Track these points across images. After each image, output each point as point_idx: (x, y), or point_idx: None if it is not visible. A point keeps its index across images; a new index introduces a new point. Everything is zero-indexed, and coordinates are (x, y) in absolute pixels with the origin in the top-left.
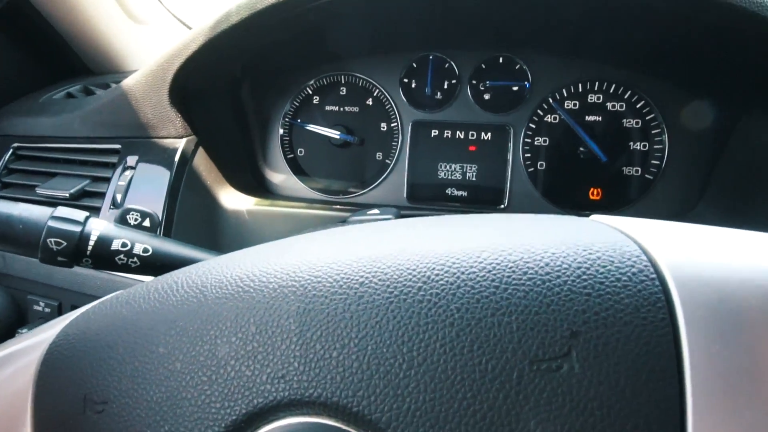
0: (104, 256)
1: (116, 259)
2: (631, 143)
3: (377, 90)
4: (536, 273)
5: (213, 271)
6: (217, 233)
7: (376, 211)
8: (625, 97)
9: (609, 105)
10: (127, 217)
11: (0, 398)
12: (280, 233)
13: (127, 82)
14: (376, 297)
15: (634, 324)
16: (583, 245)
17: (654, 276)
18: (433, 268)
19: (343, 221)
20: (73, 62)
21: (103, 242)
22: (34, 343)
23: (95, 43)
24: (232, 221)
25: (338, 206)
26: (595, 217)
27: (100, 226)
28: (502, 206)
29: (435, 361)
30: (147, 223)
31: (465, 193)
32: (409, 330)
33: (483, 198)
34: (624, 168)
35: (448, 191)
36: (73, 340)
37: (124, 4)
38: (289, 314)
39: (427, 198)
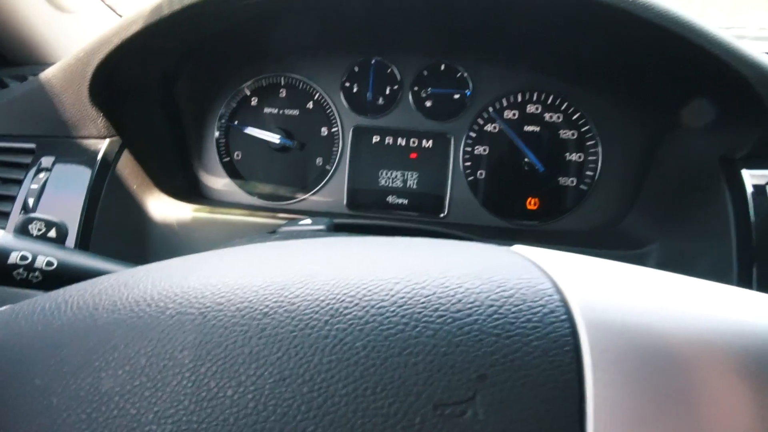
0: None
1: (14, 273)
2: (567, 154)
3: (318, 93)
4: (447, 310)
5: (110, 290)
6: (145, 244)
7: (308, 221)
8: (562, 108)
9: (547, 116)
10: (29, 227)
11: None
12: (214, 242)
13: (45, 75)
14: (279, 330)
15: (541, 368)
16: (498, 281)
17: (565, 317)
18: (342, 300)
19: (273, 231)
20: None
21: None
22: None
23: (12, 29)
24: (161, 230)
25: (275, 213)
26: (516, 247)
27: None
28: (443, 215)
29: (336, 403)
30: (53, 233)
31: (406, 201)
32: (311, 368)
33: (423, 206)
34: (560, 178)
35: (389, 199)
36: None
37: None
38: (184, 346)
39: (367, 205)
